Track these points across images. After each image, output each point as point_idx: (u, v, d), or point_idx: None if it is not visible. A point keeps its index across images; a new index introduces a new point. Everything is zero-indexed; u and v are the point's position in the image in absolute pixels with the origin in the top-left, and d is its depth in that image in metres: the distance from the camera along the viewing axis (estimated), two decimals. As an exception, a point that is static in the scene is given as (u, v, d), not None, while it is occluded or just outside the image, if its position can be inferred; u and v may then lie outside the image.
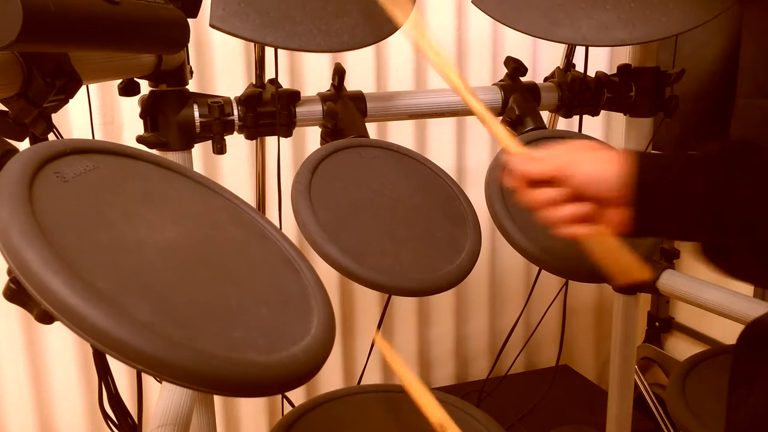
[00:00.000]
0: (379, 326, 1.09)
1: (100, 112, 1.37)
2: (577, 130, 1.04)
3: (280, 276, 0.55)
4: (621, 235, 0.56)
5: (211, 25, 0.78)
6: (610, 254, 0.59)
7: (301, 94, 0.94)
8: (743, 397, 0.56)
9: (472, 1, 0.94)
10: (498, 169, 0.84)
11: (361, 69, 1.52)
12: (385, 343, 0.74)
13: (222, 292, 0.47)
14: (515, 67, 1.03)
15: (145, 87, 0.88)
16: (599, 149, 0.57)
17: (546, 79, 1.12)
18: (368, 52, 1.52)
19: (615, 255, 0.59)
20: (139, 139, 0.88)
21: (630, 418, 1.30)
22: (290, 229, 0.76)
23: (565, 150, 0.57)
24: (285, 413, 0.86)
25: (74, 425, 1.47)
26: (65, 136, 0.64)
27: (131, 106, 1.16)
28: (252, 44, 0.87)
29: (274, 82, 0.94)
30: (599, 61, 1.70)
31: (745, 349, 0.59)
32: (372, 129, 0.98)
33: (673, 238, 0.58)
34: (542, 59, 1.68)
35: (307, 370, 0.45)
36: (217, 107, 0.88)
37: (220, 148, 0.90)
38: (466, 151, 1.69)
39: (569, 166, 0.56)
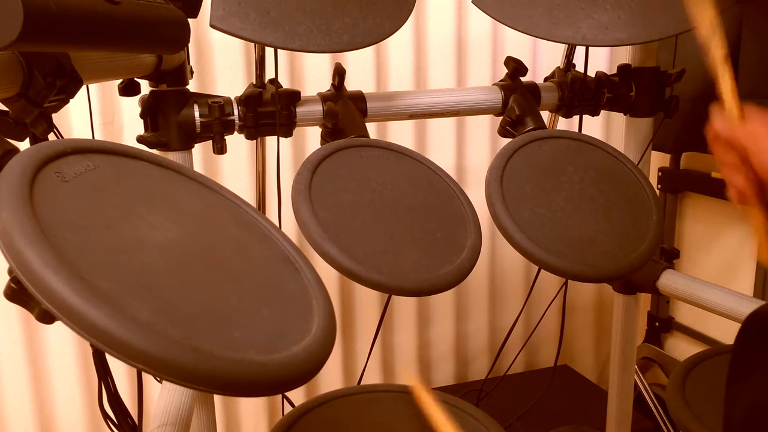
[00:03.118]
0: (378, 326, 1.09)
1: (101, 112, 1.37)
2: (577, 130, 1.04)
3: (281, 276, 0.55)
4: None
5: (211, 25, 0.78)
6: (761, 233, 0.58)
7: (302, 94, 0.94)
8: (740, 391, 0.56)
9: (472, 1, 0.94)
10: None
11: (361, 69, 1.52)
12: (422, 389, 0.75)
13: (222, 292, 0.47)
14: (515, 67, 1.03)
15: (145, 87, 0.88)
16: None
17: (546, 79, 1.12)
18: (368, 52, 1.52)
19: (761, 234, 0.58)
20: (140, 139, 0.88)
21: (630, 418, 1.30)
22: (290, 229, 0.76)
23: (761, 127, 0.57)
24: (285, 413, 0.86)
25: (74, 425, 1.47)
26: (65, 136, 0.64)
27: (131, 106, 1.17)
28: (252, 44, 0.87)
29: (274, 82, 0.94)
30: (599, 61, 1.70)
31: (743, 343, 0.59)
32: (372, 129, 0.98)
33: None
34: (542, 59, 1.68)
35: (307, 370, 0.45)
36: (217, 107, 0.88)
37: (220, 148, 0.90)
38: (466, 151, 1.69)
39: (756, 139, 0.55)
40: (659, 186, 1.66)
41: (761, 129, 0.56)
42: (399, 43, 1.54)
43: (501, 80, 1.06)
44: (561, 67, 1.10)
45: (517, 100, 1.02)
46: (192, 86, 0.91)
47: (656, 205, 0.87)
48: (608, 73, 1.11)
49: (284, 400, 1.11)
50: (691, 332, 1.70)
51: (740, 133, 0.57)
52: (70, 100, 0.63)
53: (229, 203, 0.61)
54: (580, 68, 1.08)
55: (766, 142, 0.55)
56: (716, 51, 0.64)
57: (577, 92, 1.06)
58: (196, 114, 0.88)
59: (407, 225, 0.78)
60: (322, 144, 0.91)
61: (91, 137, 0.74)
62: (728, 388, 0.57)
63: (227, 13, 0.79)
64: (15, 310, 1.34)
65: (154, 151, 0.83)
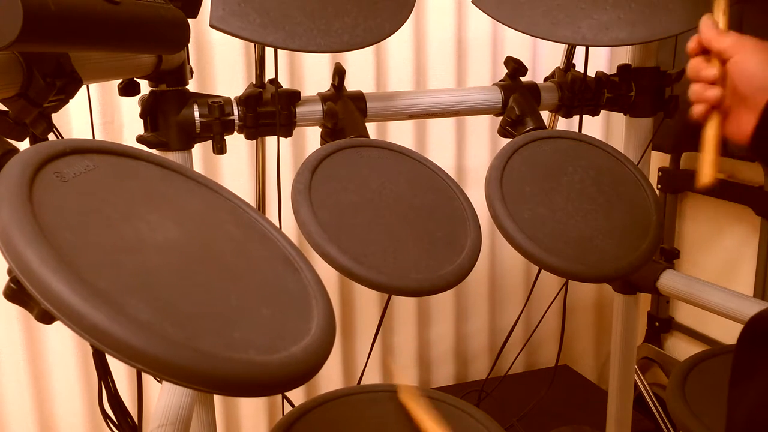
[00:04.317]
0: (378, 326, 1.09)
1: (100, 112, 1.37)
2: (577, 130, 1.04)
3: (280, 276, 0.55)
4: (741, 142, 0.58)
5: (211, 25, 0.78)
6: (707, 146, 0.61)
7: (301, 94, 0.94)
8: (743, 393, 0.56)
9: (472, 1, 0.94)
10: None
11: (361, 69, 1.52)
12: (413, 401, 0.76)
13: (222, 292, 0.47)
14: (515, 67, 1.03)
15: (145, 87, 0.88)
16: None
17: (546, 79, 1.12)
18: (368, 52, 1.52)
19: (709, 149, 0.61)
20: (139, 139, 0.88)
21: (630, 418, 1.30)
22: (290, 229, 0.76)
23: (749, 40, 0.60)
24: (285, 413, 0.86)
25: (74, 425, 1.47)
26: (65, 136, 0.64)
27: (131, 106, 1.17)
28: (252, 44, 0.87)
29: (274, 82, 0.94)
30: (599, 61, 1.70)
31: (746, 345, 0.59)
32: (372, 129, 0.98)
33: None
34: (542, 59, 1.68)
35: (307, 370, 0.45)
36: (217, 107, 0.88)
37: (220, 148, 0.90)
38: (466, 151, 1.69)
39: (745, 50, 0.58)
40: (659, 186, 1.66)
41: (748, 41, 0.59)
42: (399, 43, 1.54)
43: (501, 80, 1.06)
44: (561, 67, 1.10)
45: (517, 100, 1.02)
46: (192, 86, 0.91)
47: (656, 205, 0.87)
48: (608, 73, 1.11)
49: (284, 400, 1.11)
50: (691, 332, 1.70)
51: (726, 42, 0.60)
52: (70, 100, 0.63)
53: (229, 203, 0.61)
54: (580, 68, 1.08)
55: (750, 52, 0.58)
56: None
57: (577, 92, 1.06)
58: (196, 114, 0.88)
59: (407, 225, 0.78)
60: (322, 144, 0.91)
61: (91, 137, 0.74)
62: (731, 390, 0.57)
63: (227, 13, 0.79)
64: (15, 310, 1.34)
65: (154, 151, 0.83)
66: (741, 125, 0.58)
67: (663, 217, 0.85)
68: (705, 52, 0.62)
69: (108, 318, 0.36)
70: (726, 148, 0.65)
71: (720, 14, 0.65)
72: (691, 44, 0.63)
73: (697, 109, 0.61)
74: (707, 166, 0.61)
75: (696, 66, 0.61)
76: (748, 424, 0.54)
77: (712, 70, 0.60)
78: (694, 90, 0.61)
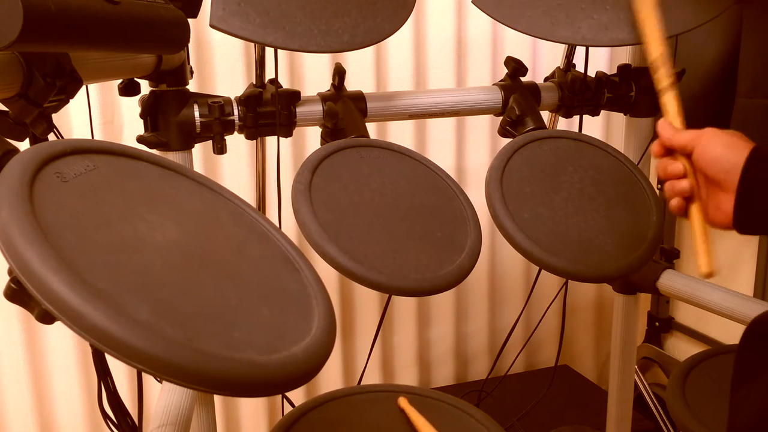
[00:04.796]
0: (379, 326, 1.09)
1: (100, 112, 1.37)
2: (577, 130, 1.04)
3: (281, 276, 0.55)
4: (725, 226, 0.61)
5: (211, 25, 0.78)
6: (698, 238, 0.63)
7: (302, 94, 0.94)
8: (745, 395, 0.56)
9: (472, 1, 0.94)
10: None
11: (361, 69, 1.52)
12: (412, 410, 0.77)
13: (222, 291, 0.47)
14: (515, 67, 1.03)
15: (145, 87, 0.88)
16: (736, 137, 0.61)
17: (546, 79, 1.12)
18: (368, 52, 1.52)
19: (699, 240, 0.63)
20: (139, 139, 0.88)
21: (630, 418, 1.30)
22: (290, 229, 0.76)
23: (707, 130, 0.63)
24: (285, 413, 0.86)
25: (74, 425, 1.47)
26: (65, 136, 0.64)
27: (131, 106, 1.17)
28: (252, 44, 0.87)
29: (274, 82, 0.94)
30: (599, 61, 1.70)
31: (747, 348, 0.59)
32: (372, 129, 0.98)
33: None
34: (542, 59, 1.68)
35: (307, 370, 0.45)
36: (217, 107, 0.88)
37: (220, 148, 0.90)
38: (466, 151, 1.69)
39: (704, 139, 0.61)
40: (659, 186, 1.66)
41: (706, 131, 0.62)
42: (399, 43, 1.54)
43: (501, 80, 1.06)
44: (561, 67, 1.10)
45: (517, 100, 1.02)
46: (192, 86, 0.91)
47: (656, 205, 0.87)
48: (608, 73, 1.11)
49: (284, 400, 1.11)
50: (691, 332, 1.70)
51: (685, 137, 0.63)
52: (70, 100, 0.63)
53: (229, 203, 0.61)
54: (580, 68, 1.08)
55: (710, 140, 0.61)
56: (665, 76, 0.72)
57: (577, 92, 1.06)
58: (196, 114, 0.88)
59: (407, 225, 0.78)
60: (322, 144, 0.91)
61: (91, 137, 0.74)
62: (732, 392, 0.58)
63: (227, 13, 0.79)
64: (15, 310, 1.34)
65: (154, 151, 0.83)
66: (722, 209, 0.60)
67: (663, 217, 0.85)
68: (669, 152, 0.65)
69: (108, 318, 0.36)
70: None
71: (675, 115, 0.69)
72: (655, 148, 0.66)
73: (674, 204, 0.64)
74: (704, 257, 0.63)
75: (663, 165, 0.65)
76: (750, 425, 0.54)
77: (677, 165, 0.63)
78: (667, 188, 0.64)
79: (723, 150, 0.59)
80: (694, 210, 0.63)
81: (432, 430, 0.76)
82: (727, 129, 0.62)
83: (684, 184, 0.62)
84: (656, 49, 0.77)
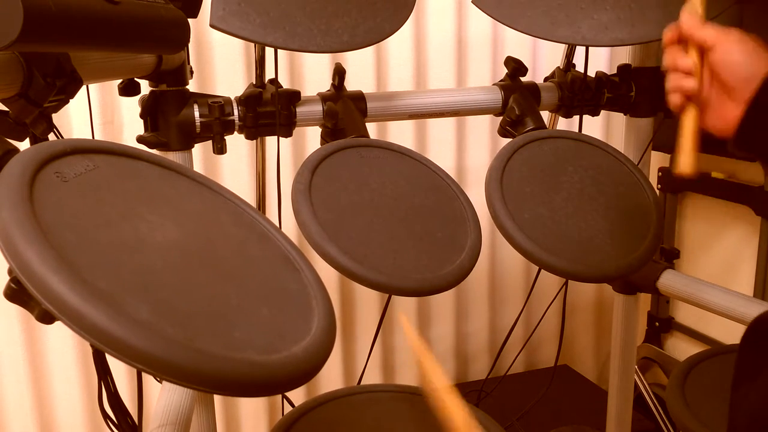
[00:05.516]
0: (379, 326, 1.09)
1: (100, 112, 1.37)
2: (577, 130, 1.04)
3: (281, 276, 0.55)
4: (724, 134, 0.57)
5: (211, 25, 0.78)
6: (685, 137, 0.60)
7: (302, 94, 0.94)
8: (746, 394, 0.56)
9: (472, 1, 0.94)
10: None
11: (361, 69, 1.52)
12: (410, 327, 0.73)
13: (222, 291, 0.47)
14: (515, 67, 1.03)
15: (145, 87, 0.88)
16: (761, 48, 0.57)
17: (546, 79, 1.12)
18: (368, 52, 1.52)
19: (687, 140, 0.60)
20: (140, 139, 0.88)
21: (630, 418, 1.30)
22: (290, 229, 0.76)
23: (732, 31, 0.59)
24: (285, 413, 0.86)
25: (74, 425, 1.47)
26: (65, 136, 0.64)
27: (131, 106, 1.17)
28: (252, 44, 0.87)
29: (274, 82, 0.94)
30: (599, 61, 1.70)
31: (748, 347, 0.59)
32: (372, 129, 0.98)
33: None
34: (542, 59, 1.68)
35: (307, 370, 0.45)
36: (217, 107, 0.88)
37: (220, 148, 0.90)
38: (466, 151, 1.69)
39: (725, 39, 0.57)
40: (659, 186, 1.66)
41: (731, 33, 0.58)
42: (399, 43, 1.54)
43: (501, 80, 1.06)
44: (561, 67, 1.10)
45: (517, 100, 1.02)
46: (192, 86, 0.91)
47: (656, 205, 0.87)
48: (608, 73, 1.11)
49: (284, 400, 1.11)
50: (691, 332, 1.70)
51: (709, 33, 0.59)
52: (70, 100, 0.63)
53: (229, 203, 0.61)
54: (580, 68, 1.08)
55: (734, 43, 0.57)
56: None
57: (577, 92, 1.06)
58: (196, 114, 0.88)
59: (407, 225, 0.78)
60: (322, 144, 0.91)
61: (91, 137, 0.74)
62: (733, 392, 0.57)
63: (227, 13, 0.79)
64: (15, 310, 1.34)
65: (154, 151, 0.83)
66: (724, 117, 0.57)
67: (663, 217, 0.85)
68: (682, 42, 0.61)
69: (108, 318, 0.36)
70: (726, 149, 0.64)
71: (699, 7, 0.65)
72: (669, 33, 0.62)
73: (673, 99, 0.60)
74: (686, 156, 0.60)
75: (673, 56, 0.61)
76: (751, 425, 0.54)
77: (689, 60, 0.59)
78: (671, 80, 0.60)
79: (746, 57, 0.56)
80: (691, 109, 0.60)
81: (424, 351, 0.71)
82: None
83: (691, 82, 0.58)
84: None
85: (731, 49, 0.57)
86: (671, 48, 0.62)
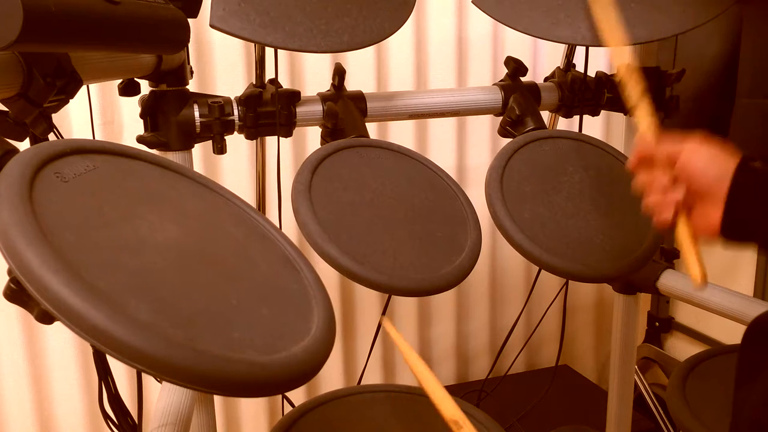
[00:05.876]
0: (379, 326, 1.09)
1: (100, 112, 1.37)
2: (577, 130, 1.04)
3: (280, 276, 0.55)
4: (712, 236, 0.58)
5: (211, 25, 0.78)
6: (687, 248, 0.61)
7: (302, 94, 0.94)
8: (749, 393, 0.56)
9: (472, 1, 0.94)
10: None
11: (361, 69, 1.52)
12: (394, 329, 0.73)
13: (222, 292, 0.47)
14: (515, 67, 1.03)
15: (145, 87, 0.88)
16: (718, 148, 0.59)
17: (546, 79, 1.12)
18: (368, 52, 1.52)
19: (689, 251, 0.61)
20: (139, 139, 0.88)
21: (630, 418, 1.30)
22: (290, 229, 0.76)
23: (690, 141, 0.60)
24: (285, 413, 0.86)
25: (74, 425, 1.47)
26: (65, 136, 0.64)
27: (131, 106, 1.17)
28: (252, 44, 0.87)
29: (274, 82, 0.94)
30: (599, 61, 1.69)
31: (750, 346, 0.59)
32: (372, 129, 0.98)
33: (763, 246, 0.62)
34: (542, 59, 1.68)
35: (307, 370, 0.45)
36: (217, 107, 0.88)
37: (220, 148, 0.90)
38: (466, 151, 1.69)
39: (689, 147, 0.58)
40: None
41: (689, 142, 0.59)
42: (399, 43, 1.54)
43: (501, 80, 1.06)
44: (561, 67, 1.10)
45: (517, 100, 1.02)
46: (192, 86, 0.91)
47: (656, 205, 0.87)
48: (608, 73, 1.10)
49: (284, 400, 1.11)
50: (691, 332, 1.70)
51: (670, 147, 0.60)
52: (70, 100, 0.63)
53: (229, 203, 0.61)
54: (580, 68, 1.08)
55: (695, 150, 0.58)
56: (634, 88, 0.69)
57: (577, 92, 1.06)
58: (196, 114, 0.88)
59: (407, 225, 0.78)
60: (322, 144, 0.91)
61: (91, 137, 0.74)
62: (736, 391, 0.58)
63: (227, 13, 0.78)
64: (15, 310, 1.34)
65: (154, 151, 0.83)
66: (707, 220, 0.58)
67: (663, 217, 0.84)
68: (647, 165, 0.62)
69: (108, 318, 0.36)
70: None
71: (649, 128, 0.66)
72: (632, 161, 0.63)
73: (664, 217, 0.61)
74: (695, 267, 0.61)
75: (646, 180, 0.62)
76: (754, 424, 0.54)
77: (665, 177, 0.60)
78: (654, 203, 0.61)
79: (710, 159, 0.57)
80: (681, 219, 0.61)
81: (411, 351, 0.72)
82: (726, 128, 0.60)
83: (677, 194, 0.60)
84: (620, 59, 0.73)
85: (694, 155, 0.58)
86: (641, 170, 0.63)
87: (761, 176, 0.56)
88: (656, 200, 0.61)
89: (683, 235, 0.61)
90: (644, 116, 0.67)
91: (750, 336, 0.60)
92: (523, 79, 1.06)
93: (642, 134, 0.65)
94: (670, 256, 1.65)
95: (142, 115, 0.88)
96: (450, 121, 1.65)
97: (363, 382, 1.03)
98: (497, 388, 1.33)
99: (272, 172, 1.04)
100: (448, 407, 0.56)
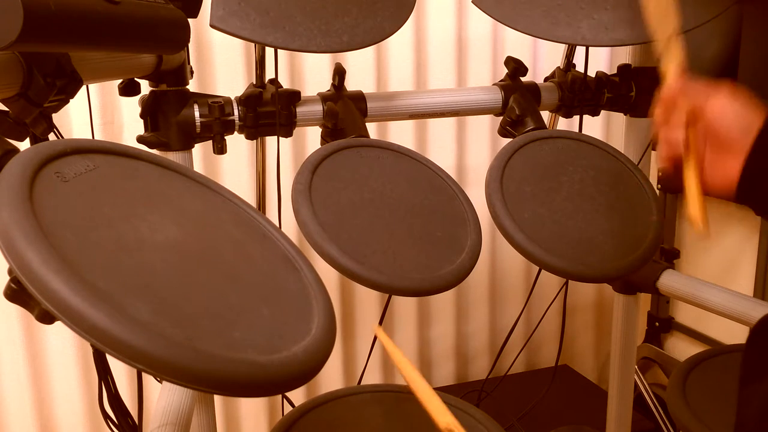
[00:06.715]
0: (379, 326, 1.09)
1: (101, 112, 1.37)
2: (577, 130, 1.04)
3: (281, 276, 0.55)
4: (726, 189, 0.57)
5: (211, 25, 0.78)
6: (691, 191, 0.59)
7: (302, 94, 0.94)
8: (753, 392, 0.56)
9: (472, 1, 0.94)
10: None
11: (361, 69, 1.52)
12: (387, 338, 0.73)
13: (222, 291, 0.47)
14: (515, 67, 1.03)
15: (145, 87, 0.88)
16: (751, 100, 0.57)
17: (546, 79, 1.12)
18: (368, 52, 1.52)
19: (693, 194, 0.59)
20: (140, 139, 0.88)
21: (630, 418, 1.30)
22: (290, 229, 0.76)
23: (720, 84, 0.58)
24: (285, 413, 0.86)
25: (74, 425, 1.47)
26: (65, 136, 0.64)
27: (131, 106, 1.17)
28: (252, 44, 0.87)
29: (274, 82, 0.94)
30: (599, 61, 1.70)
31: (755, 345, 0.59)
32: (372, 129, 0.98)
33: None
34: (542, 59, 1.68)
35: (307, 370, 0.45)
36: (217, 107, 0.88)
37: (220, 148, 0.90)
38: (466, 151, 1.69)
39: (721, 93, 0.57)
40: (659, 186, 1.66)
41: (720, 86, 0.57)
42: (399, 43, 1.54)
43: (501, 80, 1.06)
44: (561, 67, 1.10)
45: (517, 100, 1.02)
46: (192, 86, 0.91)
47: (656, 205, 0.87)
48: (608, 73, 1.11)
49: (284, 400, 1.11)
50: (691, 332, 1.70)
51: (698, 92, 0.58)
52: (70, 100, 0.63)
53: (229, 203, 0.61)
54: (580, 68, 1.08)
55: (725, 97, 0.56)
56: (664, 30, 0.67)
57: (577, 92, 1.06)
58: (196, 114, 0.88)
59: (407, 225, 0.78)
60: (322, 144, 0.91)
61: (91, 137, 0.74)
62: (741, 390, 0.57)
63: (227, 13, 0.79)
64: (15, 310, 1.34)
65: (154, 151, 0.83)
66: (724, 172, 0.56)
67: (663, 217, 0.85)
68: (671, 102, 0.60)
69: (108, 318, 0.36)
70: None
71: (676, 64, 0.64)
72: (662, 95, 0.61)
73: (663, 153, 0.59)
74: (697, 213, 0.59)
75: (663, 112, 0.60)
76: (760, 423, 0.54)
77: (680, 115, 0.58)
78: (661, 135, 0.60)
79: (739, 111, 0.55)
80: (690, 163, 0.58)
81: (405, 360, 0.72)
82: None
83: (680, 132, 0.57)
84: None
85: (723, 105, 0.56)
86: (662, 106, 0.61)
87: None
88: (664, 134, 0.59)
89: (688, 177, 0.59)
90: (672, 60, 0.64)
91: (756, 334, 0.59)
92: (523, 79, 1.06)
93: (669, 81, 0.62)
94: (670, 256, 1.65)
95: (142, 115, 0.88)
96: (450, 121, 1.65)
97: (363, 382, 1.03)
98: (497, 388, 1.33)
99: (272, 172, 1.04)
100: (442, 415, 0.56)
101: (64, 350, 1.43)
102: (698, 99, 0.58)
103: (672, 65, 0.64)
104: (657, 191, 0.89)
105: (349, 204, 0.77)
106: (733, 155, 0.55)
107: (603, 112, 1.15)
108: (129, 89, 0.85)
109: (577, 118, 1.11)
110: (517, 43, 1.62)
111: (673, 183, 0.62)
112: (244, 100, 0.90)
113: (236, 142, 1.01)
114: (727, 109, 0.56)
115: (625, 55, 1.14)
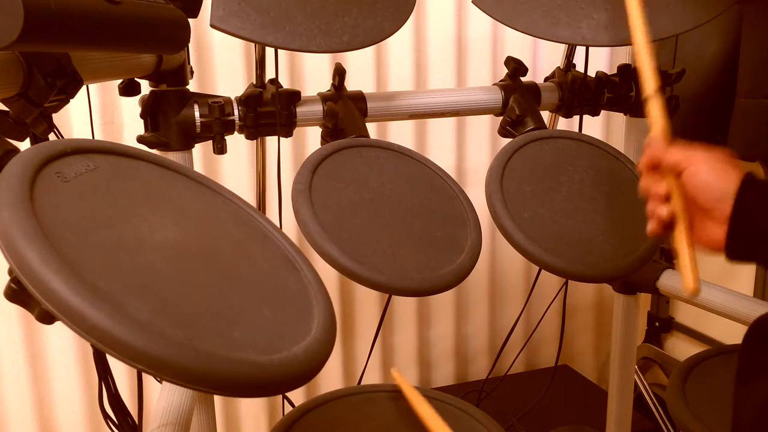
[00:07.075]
0: (379, 326, 1.09)
1: (101, 112, 1.37)
2: (577, 130, 1.04)
3: (281, 276, 0.55)
4: (713, 251, 0.58)
5: (212, 25, 0.78)
6: (683, 255, 0.60)
7: (302, 94, 0.94)
8: (749, 393, 0.56)
9: (472, 1, 0.94)
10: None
11: (361, 69, 1.52)
12: (405, 381, 0.75)
13: (222, 291, 0.47)
14: (515, 67, 1.03)
15: (145, 87, 0.88)
16: (726, 162, 0.58)
17: (546, 79, 1.12)
18: (368, 52, 1.52)
19: (684, 258, 0.60)
20: (140, 139, 0.88)
21: (630, 418, 1.30)
22: (290, 229, 0.76)
23: (699, 150, 0.59)
24: (285, 413, 0.86)
25: (74, 425, 1.47)
26: (66, 136, 0.64)
27: (131, 106, 1.17)
28: (252, 44, 0.87)
29: (274, 82, 0.94)
30: (599, 61, 1.70)
31: (751, 345, 0.59)
32: (372, 129, 0.98)
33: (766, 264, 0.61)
34: (542, 59, 1.68)
35: (308, 370, 0.45)
36: (217, 107, 0.88)
37: (220, 148, 0.90)
38: (466, 151, 1.69)
39: (695, 161, 0.58)
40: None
41: (698, 152, 0.58)
42: (399, 43, 1.54)
43: (501, 80, 1.06)
44: (561, 67, 1.10)
45: (517, 100, 1.02)
46: (192, 86, 0.91)
47: (656, 205, 0.87)
48: (608, 73, 1.11)
49: (284, 400, 1.11)
50: (691, 332, 1.70)
51: (674, 156, 0.60)
52: (71, 100, 0.63)
53: (229, 203, 0.61)
54: (580, 68, 1.08)
55: (701, 163, 0.57)
56: (649, 84, 0.68)
57: (577, 92, 1.06)
58: (196, 114, 0.88)
59: (407, 225, 0.78)
60: (322, 144, 0.91)
61: (91, 137, 0.74)
62: (737, 390, 0.58)
63: (227, 13, 0.79)
64: (15, 310, 1.34)
65: (155, 151, 0.83)
66: (710, 237, 0.57)
67: (663, 217, 0.84)
68: (655, 168, 0.62)
69: (108, 318, 0.36)
70: (725, 146, 0.64)
71: (662, 127, 0.65)
72: (643, 161, 0.63)
73: (651, 226, 0.61)
74: (688, 275, 0.59)
75: (648, 181, 0.62)
76: (755, 423, 0.54)
77: (662, 186, 0.60)
78: (648, 208, 0.62)
79: (714, 177, 0.56)
80: (679, 227, 0.60)
81: (426, 406, 0.73)
82: (726, 128, 0.59)
83: (666, 209, 0.59)
84: (645, 58, 0.72)
85: (699, 170, 0.57)
86: (647, 173, 0.63)
87: (765, 194, 0.55)
88: (650, 208, 0.61)
89: (680, 243, 0.60)
90: (657, 118, 0.66)
91: (752, 334, 0.60)
92: (523, 79, 1.06)
93: (653, 136, 0.64)
94: (670, 256, 1.65)
95: (142, 115, 0.88)
96: (450, 121, 1.65)
97: (363, 382, 1.03)
98: (497, 388, 1.33)
99: (272, 172, 1.04)
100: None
101: (64, 350, 1.43)
102: (676, 166, 0.59)
103: (657, 123, 0.66)
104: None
105: (349, 204, 0.77)
106: (715, 222, 0.56)
107: (603, 112, 1.15)
108: (129, 89, 0.85)
109: (577, 118, 1.11)
110: (517, 43, 1.62)
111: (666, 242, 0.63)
112: (244, 100, 0.90)
113: (236, 142, 1.01)
114: (702, 178, 0.57)
115: (625, 55, 1.14)
